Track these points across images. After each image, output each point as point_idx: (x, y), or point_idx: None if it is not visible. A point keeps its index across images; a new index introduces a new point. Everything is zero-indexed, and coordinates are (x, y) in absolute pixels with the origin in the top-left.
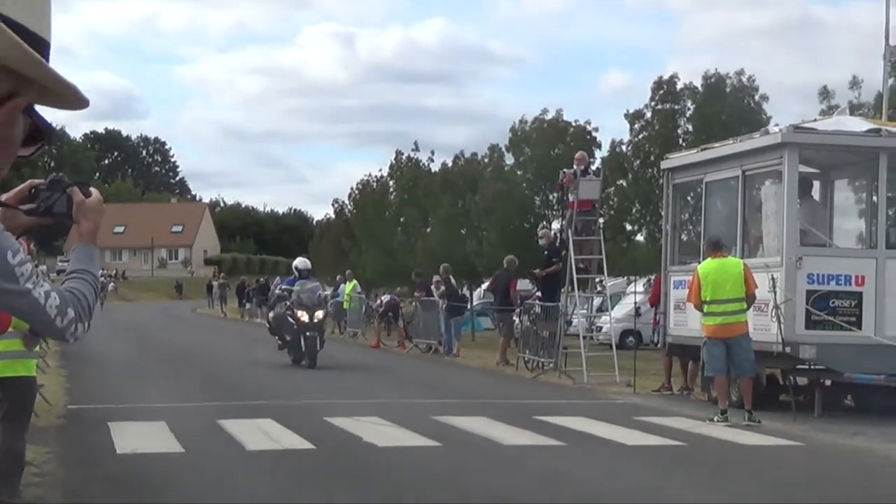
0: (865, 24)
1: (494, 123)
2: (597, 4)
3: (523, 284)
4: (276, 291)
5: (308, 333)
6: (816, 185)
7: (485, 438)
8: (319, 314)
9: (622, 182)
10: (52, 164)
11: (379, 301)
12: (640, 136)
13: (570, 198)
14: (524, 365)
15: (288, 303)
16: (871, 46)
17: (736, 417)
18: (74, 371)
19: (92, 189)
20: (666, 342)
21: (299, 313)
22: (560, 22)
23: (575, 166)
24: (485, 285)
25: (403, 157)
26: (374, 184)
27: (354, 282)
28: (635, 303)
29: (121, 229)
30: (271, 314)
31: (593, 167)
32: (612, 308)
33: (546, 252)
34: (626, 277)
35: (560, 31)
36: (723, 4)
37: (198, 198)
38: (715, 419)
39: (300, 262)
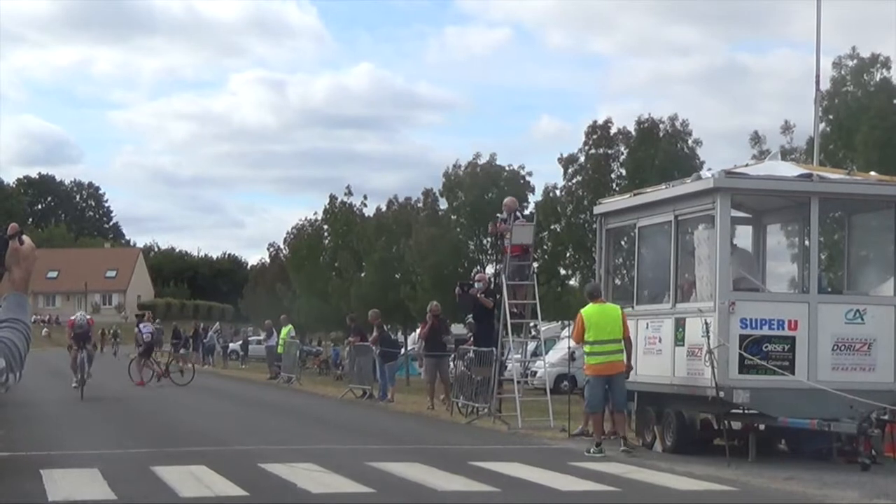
0: (790, 71)
1: (426, 168)
2: (524, 50)
3: (458, 329)
4: None
5: None
6: (748, 230)
7: (419, 485)
8: None
9: (556, 227)
10: None
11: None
12: (574, 181)
13: (505, 243)
14: (458, 410)
15: None
16: (799, 92)
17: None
18: (5, 418)
19: (25, 237)
20: None
21: None
22: (488, 67)
23: (505, 213)
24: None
25: (337, 201)
26: (309, 228)
27: (289, 326)
28: (569, 347)
29: (54, 274)
30: None
31: (526, 212)
32: (547, 352)
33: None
34: (560, 322)
35: (489, 77)
36: (650, 52)
37: (131, 242)
38: (591, 451)
39: None
